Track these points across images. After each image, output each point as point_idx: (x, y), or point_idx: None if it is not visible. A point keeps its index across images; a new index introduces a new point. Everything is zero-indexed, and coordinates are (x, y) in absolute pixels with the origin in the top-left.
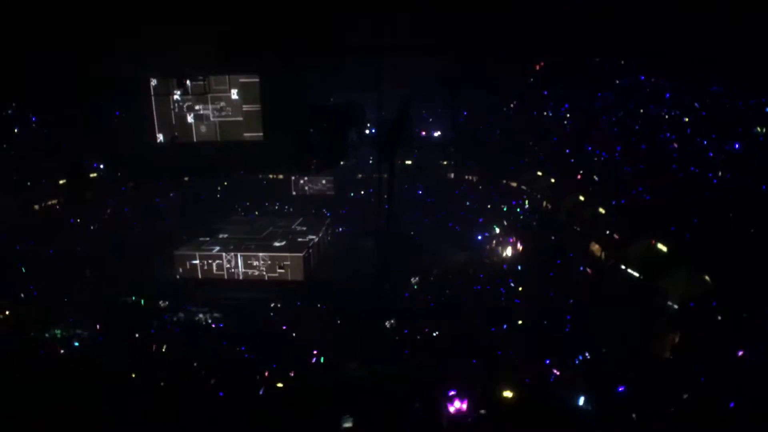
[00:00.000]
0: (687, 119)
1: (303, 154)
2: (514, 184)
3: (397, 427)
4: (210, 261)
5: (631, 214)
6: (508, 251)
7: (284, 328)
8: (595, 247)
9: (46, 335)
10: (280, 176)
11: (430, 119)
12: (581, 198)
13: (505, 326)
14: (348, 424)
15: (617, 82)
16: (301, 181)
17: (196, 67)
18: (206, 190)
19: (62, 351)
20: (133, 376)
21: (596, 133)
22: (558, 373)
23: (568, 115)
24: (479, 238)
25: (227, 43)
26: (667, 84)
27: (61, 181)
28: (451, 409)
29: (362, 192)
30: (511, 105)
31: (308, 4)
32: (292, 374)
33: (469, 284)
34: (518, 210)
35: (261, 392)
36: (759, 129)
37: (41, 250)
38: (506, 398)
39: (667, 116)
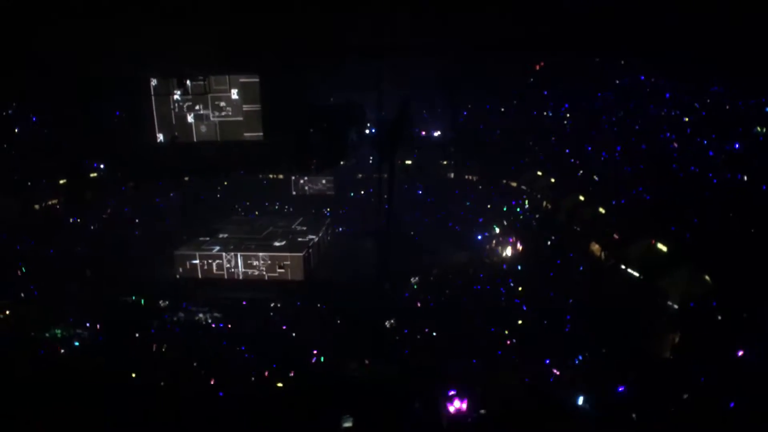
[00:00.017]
0: (687, 119)
1: (303, 154)
2: (514, 184)
3: (397, 427)
4: (210, 261)
5: (631, 214)
6: (508, 251)
7: (284, 327)
8: (595, 247)
9: (47, 335)
10: (280, 176)
11: (430, 119)
12: (581, 198)
13: (505, 326)
14: (348, 424)
15: (617, 82)
16: (301, 181)
17: (196, 67)
18: (206, 190)
19: (62, 351)
20: (133, 375)
21: (596, 133)
22: (558, 373)
23: (568, 115)
24: (479, 238)
25: (227, 43)
26: (667, 84)
27: (61, 181)
28: (451, 409)
29: (362, 192)
30: (511, 105)
31: (308, 4)
32: (292, 374)
33: (469, 284)
34: (518, 210)
35: (261, 392)
36: (759, 129)
37: (41, 250)
38: (506, 398)
39: (667, 116)
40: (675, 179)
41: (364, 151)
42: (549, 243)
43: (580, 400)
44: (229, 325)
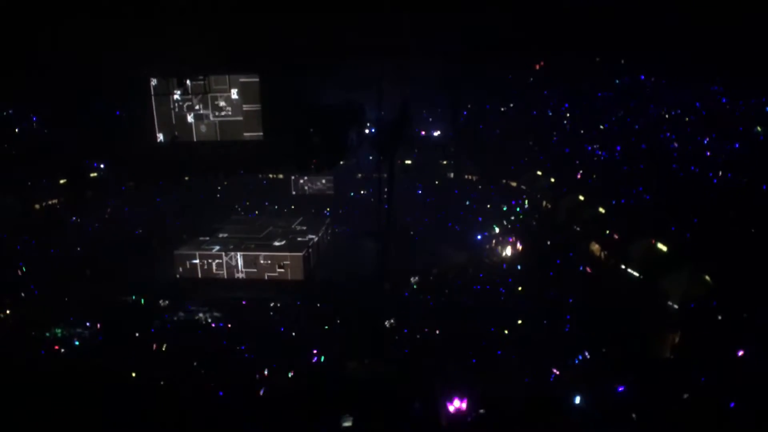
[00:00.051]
0: (687, 119)
1: (303, 154)
2: (514, 184)
3: (397, 427)
4: (210, 260)
5: (631, 214)
6: (508, 251)
7: (283, 329)
8: (595, 247)
9: (47, 334)
10: (280, 176)
11: (430, 119)
12: (581, 198)
13: (504, 326)
14: (348, 423)
15: (617, 81)
16: (301, 181)
17: (196, 67)
18: (206, 189)
19: (62, 350)
20: (133, 375)
21: (596, 132)
22: (558, 373)
23: (568, 115)
24: (479, 237)
25: (227, 44)
26: (667, 83)
27: (61, 181)
28: (451, 409)
29: (362, 192)
30: (511, 105)
31: (308, 4)
32: (292, 374)
33: (469, 284)
34: (518, 210)
35: (261, 392)
36: (759, 129)
37: (42, 250)
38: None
39: (667, 116)
40: (675, 179)
41: (363, 151)
42: (549, 243)
43: (580, 400)
44: (229, 325)
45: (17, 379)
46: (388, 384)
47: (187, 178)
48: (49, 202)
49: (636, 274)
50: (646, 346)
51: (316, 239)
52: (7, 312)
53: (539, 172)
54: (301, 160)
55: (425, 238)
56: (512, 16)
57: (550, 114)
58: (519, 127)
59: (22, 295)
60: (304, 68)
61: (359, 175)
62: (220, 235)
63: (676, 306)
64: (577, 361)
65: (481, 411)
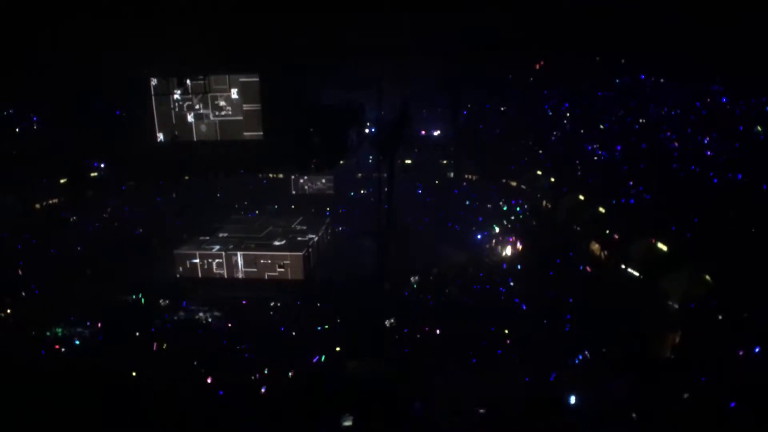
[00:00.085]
0: (687, 118)
1: (303, 154)
2: (514, 184)
3: (397, 426)
4: (210, 260)
5: (631, 214)
6: (508, 251)
7: (283, 328)
8: (595, 247)
9: (47, 334)
10: (280, 175)
11: (430, 118)
12: (581, 197)
13: (504, 325)
14: (348, 423)
15: (617, 81)
16: (301, 181)
17: (197, 67)
18: (206, 189)
19: (63, 349)
20: (134, 374)
21: (596, 132)
22: (558, 373)
23: (568, 114)
24: (479, 237)
25: (227, 44)
26: (667, 83)
27: (62, 181)
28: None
29: (362, 191)
30: (511, 104)
31: (308, 4)
32: (292, 373)
33: (469, 283)
34: (518, 209)
35: (261, 391)
36: (759, 128)
37: (42, 249)
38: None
39: (667, 115)
40: (675, 179)
41: (364, 151)
42: (549, 242)
43: (580, 400)
44: (229, 324)
45: (18, 379)
46: (388, 383)
47: (187, 178)
48: (50, 202)
49: (636, 273)
50: (646, 345)
51: (316, 239)
52: (8, 311)
53: (539, 172)
54: (301, 160)
55: (425, 238)
56: (512, 16)
57: (550, 113)
58: (519, 126)
59: (23, 294)
60: (304, 68)
61: (359, 174)
62: (220, 235)
63: (676, 306)
64: (577, 361)
65: (481, 411)
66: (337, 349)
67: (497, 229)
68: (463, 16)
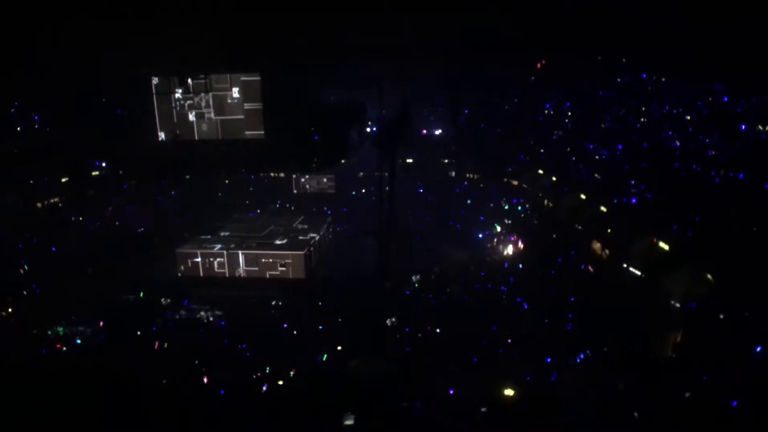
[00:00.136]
0: (689, 117)
1: (304, 153)
2: (516, 183)
3: (399, 425)
4: (211, 259)
5: (632, 213)
6: (510, 250)
7: (285, 326)
8: (597, 246)
9: (49, 333)
10: (281, 174)
11: (431, 118)
12: (582, 196)
13: (506, 324)
14: (349, 422)
15: (618, 80)
16: (302, 180)
17: (197, 67)
18: (207, 188)
19: (64, 348)
20: (135, 373)
21: (597, 131)
22: (559, 372)
23: (569, 113)
24: (480, 236)
25: (227, 44)
26: (668, 82)
27: (63, 180)
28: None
29: (363, 190)
30: (512, 103)
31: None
32: (293, 372)
33: (470, 282)
34: (519, 208)
35: (262, 390)
36: (761, 127)
37: (43, 248)
38: (507, 396)
39: (668, 114)
40: (677, 178)
41: (365, 150)
42: (550, 241)
43: (582, 399)
44: (231, 324)
45: (19, 378)
46: (389, 382)
47: (188, 177)
48: (51, 201)
49: (638, 272)
50: (647, 344)
51: (317, 238)
52: (9, 310)
53: (541, 171)
54: (302, 159)
55: (426, 237)
56: (512, 16)
57: (552, 112)
58: (520, 125)
59: (24, 293)
60: (305, 68)
61: (360, 173)
62: (222, 234)
63: (677, 305)
64: (578, 360)
65: (483, 409)
66: (339, 348)
67: (498, 228)
68: (463, 16)
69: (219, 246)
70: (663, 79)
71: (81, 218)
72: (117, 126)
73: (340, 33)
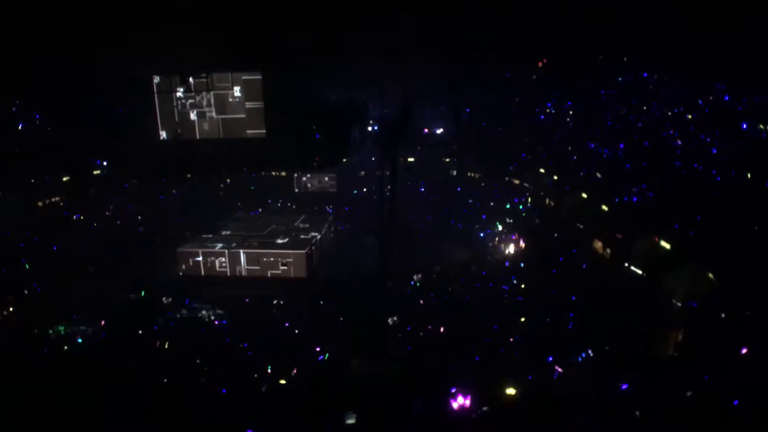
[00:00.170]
0: (690, 116)
1: (306, 152)
2: (517, 182)
3: (400, 424)
4: (212, 258)
5: (634, 212)
6: (511, 249)
7: (286, 325)
8: (598, 245)
9: (50, 332)
10: (283, 173)
11: (433, 116)
12: (584, 195)
13: (507, 324)
14: (351, 421)
15: (620, 79)
16: (304, 179)
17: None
18: (209, 187)
19: (65, 348)
20: (136, 372)
21: (599, 130)
22: (561, 371)
23: (570, 113)
24: (482, 235)
25: (227, 43)
26: (670, 81)
27: (64, 179)
28: (454, 405)
29: (365, 189)
30: (514, 102)
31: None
32: (295, 371)
33: (472, 281)
34: (521, 207)
35: (263, 389)
36: (762, 126)
37: (44, 247)
38: (509, 395)
39: (670, 113)
40: (678, 177)
41: (366, 149)
42: (552, 240)
43: (583, 398)
44: (232, 323)
45: (19, 377)
46: (390, 382)
47: (189, 176)
48: (52, 200)
49: (639, 272)
50: (649, 344)
51: (318, 237)
52: (10, 309)
53: (542, 170)
54: (303, 158)
55: (428, 236)
56: (512, 16)
57: (553, 112)
58: (522, 124)
59: (25, 292)
60: (305, 68)
61: (362, 172)
62: (223, 233)
63: (679, 304)
64: (580, 359)
65: (484, 408)
66: (340, 346)
67: (500, 227)
68: (463, 16)
69: (220, 245)
70: (664, 79)
71: (82, 217)
72: (118, 125)
73: (340, 33)
